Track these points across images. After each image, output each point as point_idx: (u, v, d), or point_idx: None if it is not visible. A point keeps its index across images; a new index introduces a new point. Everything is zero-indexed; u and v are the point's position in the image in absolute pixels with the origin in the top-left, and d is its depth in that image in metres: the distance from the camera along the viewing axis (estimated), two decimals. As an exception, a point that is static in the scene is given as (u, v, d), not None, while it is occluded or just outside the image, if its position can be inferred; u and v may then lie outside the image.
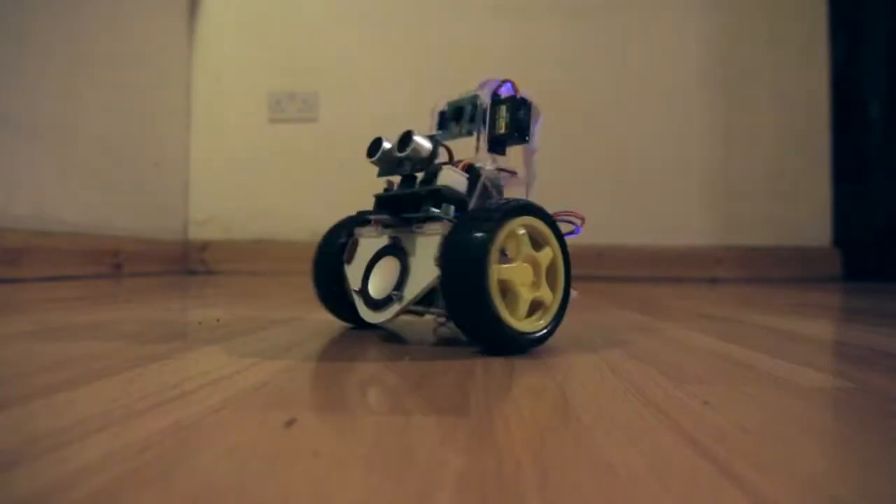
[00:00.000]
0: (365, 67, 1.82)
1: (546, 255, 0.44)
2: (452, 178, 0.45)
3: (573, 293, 0.47)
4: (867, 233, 1.77)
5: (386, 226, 0.49)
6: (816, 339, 0.54)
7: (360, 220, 0.52)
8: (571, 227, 0.48)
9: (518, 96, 0.47)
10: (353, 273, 0.51)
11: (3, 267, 1.11)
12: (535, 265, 0.43)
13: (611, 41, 1.79)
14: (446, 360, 0.40)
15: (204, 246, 1.82)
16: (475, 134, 0.49)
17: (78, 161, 1.37)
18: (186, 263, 1.81)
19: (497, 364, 0.39)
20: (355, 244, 0.52)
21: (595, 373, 0.36)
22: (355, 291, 0.50)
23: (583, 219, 0.48)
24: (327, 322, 0.59)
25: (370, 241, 0.50)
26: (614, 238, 1.70)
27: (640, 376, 0.35)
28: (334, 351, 0.43)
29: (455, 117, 0.51)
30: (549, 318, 0.44)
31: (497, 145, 0.48)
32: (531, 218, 0.43)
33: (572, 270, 0.46)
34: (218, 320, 0.59)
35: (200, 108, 1.86)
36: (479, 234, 0.40)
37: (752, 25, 1.77)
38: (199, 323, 0.58)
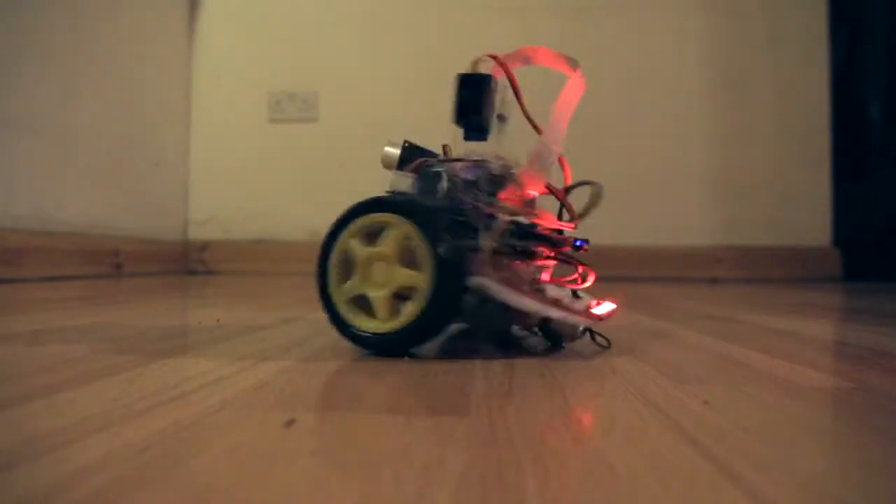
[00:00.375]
0: (365, 68, 1.82)
1: (404, 275, 0.39)
2: (399, 181, 0.44)
3: (602, 308, 0.44)
4: (867, 233, 1.77)
5: None
6: (816, 339, 0.54)
7: None
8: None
9: (462, 73, 0.42)
10: None
11: (3, 267, 1.11)
12: (388, 260, 0.40)
13: (611, 41, 1.79)
14: (447, 360, 0.40)
15: (204, 246, 1.82)
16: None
17: (78, 161, 1.37)
18: (186, 263, 1.81)
19: (497, 364, 0.39)
20: None
21: (595, 373, 0.36)
22: None
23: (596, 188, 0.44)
24: (327, 322, 0.59)
25: None
26: (614, 238, 1.70)
27: (640, 376, 0.35)
28: (334, 350, 0.43)
29: None
30: (383, 326, 0.40)
31: (469, 131, 0.44)
32: (386, 215, 0.40)
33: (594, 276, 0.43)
34: (218, 320, 0.59)
35: (200, 108, 1.86)
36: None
37: (752, 25, 1.77)
38: (199, 323, 0.58)
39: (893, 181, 1.77)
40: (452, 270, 0.38)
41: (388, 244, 0.40)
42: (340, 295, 0.41)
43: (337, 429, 0.25)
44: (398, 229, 0.39)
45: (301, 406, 0.27)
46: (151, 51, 1.67)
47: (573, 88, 0.42)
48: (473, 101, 0.42)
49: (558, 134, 0.42)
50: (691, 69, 1.78)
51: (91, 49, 1.41)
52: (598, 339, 0.46)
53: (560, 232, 0.44)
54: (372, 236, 0.41)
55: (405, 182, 0.43)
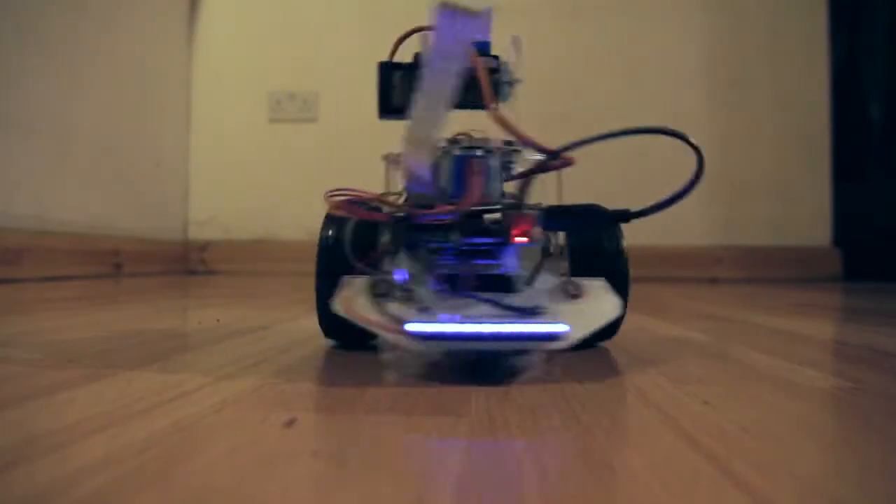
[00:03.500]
0: (365, 67, 1.81)
1: None
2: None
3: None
4: (867, 233, 1.77)
5: None
6: (816, 339, 0.54)
7: None
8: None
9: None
10: None
11: (3, 267, 1.11)
12: None
13: (611, 41, 1.79)
14: (447, 361, 0.40)
15: (204, 246, 1.82)
16: None
17: (78, 161, 1.37)
18: (186, 263, 1.81)
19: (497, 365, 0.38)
20: None
21: (595, 373, 0.36)
22: None
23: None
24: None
25: None
26: (614, 238, 1.70)
27: (640, 376, 0.35)
28: (334, 350, 0.43)
29: None
30: None
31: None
32: None
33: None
34: (218, 320, 0.59)
35: (200, 108, 1.86)
36: None
37: (752, 25, 1.78)
38: (199, 323, 0.58)
39: (893, 181, 1.77)
40: None
41: None
42: None
43: (337, 429, 0.25)
44: None
45: (301, 406, 0.27)
46: (151, 51, 1.67)
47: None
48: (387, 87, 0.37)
49: None
50: (691, 69, 1.78)
51: (91, 49, 1.41)
52: None
53: None
54: None
55: None
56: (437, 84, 0.28)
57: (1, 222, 1.14)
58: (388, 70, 0.38)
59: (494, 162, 0.36)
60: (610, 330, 0.41)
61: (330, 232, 0.40)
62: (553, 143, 0.43)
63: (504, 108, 0.36)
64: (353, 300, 0.33)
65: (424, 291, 0.34)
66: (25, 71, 1.21)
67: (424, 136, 0.30)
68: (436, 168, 0.35)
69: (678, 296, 1.08)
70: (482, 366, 0.35)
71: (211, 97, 1.85)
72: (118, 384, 0.31)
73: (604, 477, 0.19)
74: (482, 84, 0.31)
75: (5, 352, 0.41)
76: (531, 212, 0.34)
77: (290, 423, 0.25)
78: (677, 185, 0.38)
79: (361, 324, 0.32)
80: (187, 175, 1.85)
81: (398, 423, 0.25)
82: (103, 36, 1.45)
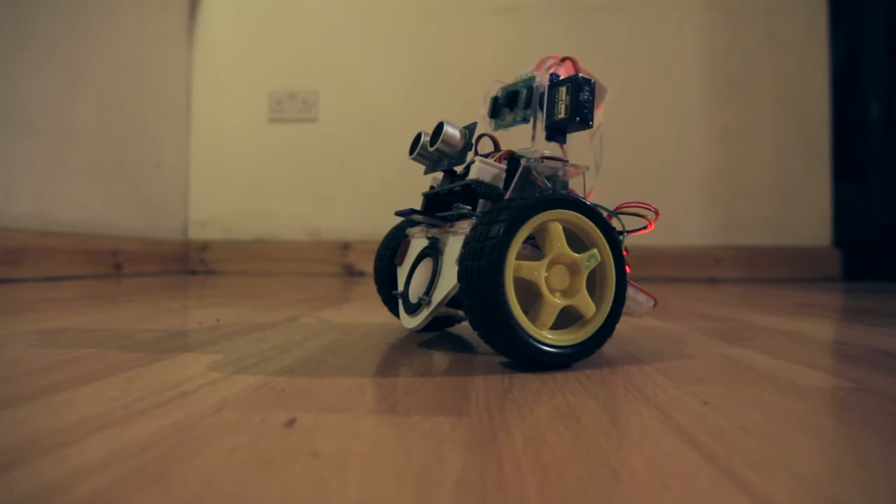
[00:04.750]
0: (365, 67, 1.82)
1: (590, 258, 0.38)
2: (485, 171, 0.40)
3: (645, 302, 0.43)
4: (867, 233, 1.77)
5: (430, 225, 0.45)
6: (816, 339, 0.54)
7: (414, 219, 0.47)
8: (643, 223, 0.43)
9: (580, 76, 0.40)
10: (401, 275, 0.48)
11: (3, 267, 1.11)
12: (572, 268, 0.38)
13: (611, 41, 1.79)
14: (447, 360, 0.40)
15: (204, 246, 1.82)
16: (531, 121, 0.43)
17: (78, 161, 1.38)
18: (186, 263, 1.81)
19: (497, 364, 0.38)
20: (406, 245, 0.48)
21: (594, 373, 0.36)
22: (397, 294, 0.47)
23: (656, 211, 0.42)
24: (327, 322, 0.59)
25: (418, 242, 0.47)
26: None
27: (640, 376, 0.35)
28: (334, 350, 0.43)
29: (509, 103, 0.45)
30: (585, 333, 0.38)
31: (556, 132, 0.42)
32: (567, 212, 0.37)
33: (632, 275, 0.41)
34: (218, 320, 0.59)
35: (200, 108, 1.86)
36: (496, 226, 0.35)
37: (751, 25, 1.78)
38: (199, 323, 0.58)
39: (893, 181, 1.77)
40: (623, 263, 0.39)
41: (589, 262, 0.38)
42: (510, 269, 0.35)
43: (337, 429, 0.25)
44: (602, 255, 0.38)
45: (301, 406, 0.27)
46: (151, 51, 1.68)
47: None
48: (591, 105, 0.41)
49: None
50: (691, 68, 1.78)
51: (91, 49, 1.41)
52: None
53: None
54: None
55: (495, 174, 0.40)
56: None
57: (1, 222, 1.14)
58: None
59: None
60: None
61: None
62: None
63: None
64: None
65: None
66: (26, 70, 1.21)
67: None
68: None
69: (678, 296, 1.08)
70: None
71: (211, 97, 1.85)
72: (118, 384, 0.31)
73: (604, 477, 0.19)
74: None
75: (6, 352, 0.41)
76: None
77: (290, 423, 0.25)
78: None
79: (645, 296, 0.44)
80: (187, 175, 1.85)
81: (398, 423, 0.25)
82: (103, 36, 1.45)
